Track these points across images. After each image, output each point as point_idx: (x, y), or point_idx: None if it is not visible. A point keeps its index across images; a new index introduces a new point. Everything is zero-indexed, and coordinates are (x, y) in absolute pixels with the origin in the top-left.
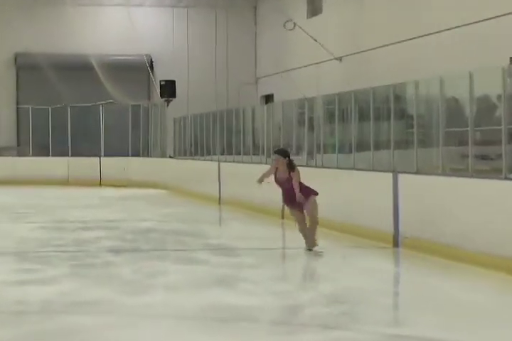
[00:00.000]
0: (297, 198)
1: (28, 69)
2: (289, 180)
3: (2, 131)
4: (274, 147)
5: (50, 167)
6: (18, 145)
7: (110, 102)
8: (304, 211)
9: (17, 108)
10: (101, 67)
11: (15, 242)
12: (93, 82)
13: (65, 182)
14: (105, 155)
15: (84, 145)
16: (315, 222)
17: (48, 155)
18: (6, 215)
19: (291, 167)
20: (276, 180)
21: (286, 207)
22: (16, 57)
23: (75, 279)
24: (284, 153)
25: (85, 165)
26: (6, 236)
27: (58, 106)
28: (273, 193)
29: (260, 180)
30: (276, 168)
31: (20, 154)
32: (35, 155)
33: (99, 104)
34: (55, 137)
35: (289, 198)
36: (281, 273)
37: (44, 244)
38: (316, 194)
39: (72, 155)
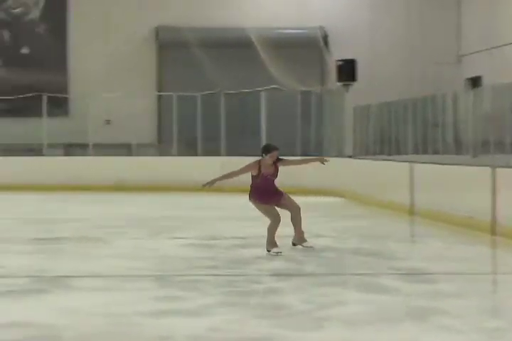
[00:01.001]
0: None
1: (171, 46)
2: (275, 174)
3: (140, 124)
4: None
5: (198, 169)
6: (160, 142)
7: (274, 88)
8: (282, 204)
9: (158, 95)
10: (262, 43)
11: (156, 263)
12: (252, 63)
13: (217, 188)
14: None
15: (241, 142)
16: (298, 210)
17: (196, 154)
18: (144, 230)
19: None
20: (262, 176)
21: (256, 203)
22: (158, 32)
23: (231, 310)
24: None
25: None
26: (145, 256)
27: (209, 92)
28: (483, 203)
29: (211, 184)
30: (259, 166)
31: (161, 153)
32: (180, 154)
33: (260, 91)
34: (205, 132)
35: (268, 193)
36: (490, 304)
37: (192, 266)
38: None
39: (225, 155)
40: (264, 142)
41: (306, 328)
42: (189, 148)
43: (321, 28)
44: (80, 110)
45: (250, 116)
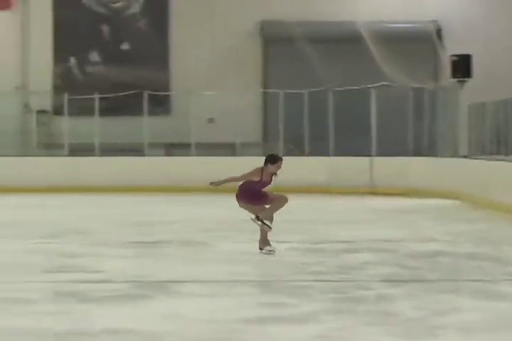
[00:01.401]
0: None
1: (277, 42)
2: (270, 183)
3: (244, 122)
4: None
5: (305, 170)
6: (265, 141)
7: (384, 85)
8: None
9: (263, 92)
10: (372, 38)
11: (259, 268)
12: (362, 59)
13: (324, 189)
14: (378, 155)
15: (350, 141)
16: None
17: (303, 154)
18: (247, 233)
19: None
20: (262, 184)
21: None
22: (263, 27)
23: (338, 317)
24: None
25: (352, 167)
26: (248, 261)
27: (316, 89)
28: None
29: (218, 184)
30: (262, 173)
31: (267, 153)
32: (286, 154)
33: (370, 88)
34: (312, 130)
35: (258, 196)
36: None
37: (297, 271)
38: None
39: (334, 155)
40: (374, 142)
41: (419, 336)
42: (295, 148)
43: (434, 22)
44: (182, 108)
45: (359, 114)
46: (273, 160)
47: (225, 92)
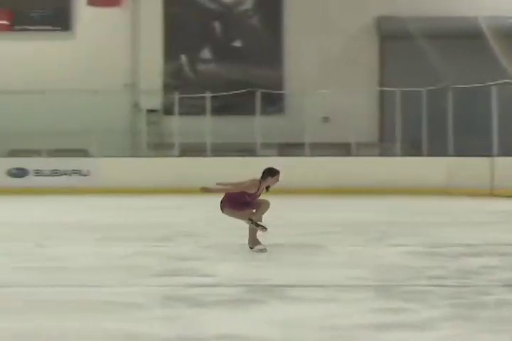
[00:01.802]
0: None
1: (394, 38)
2: (259, 195)
3: (360, 122)
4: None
5: (423, 170)
6: (381, 141)
7: (506, 82)
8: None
9: (379, 91)
10: (493, 33)
11: (376, 272)
12: (482, 55)
13: (443, 190)
14: (500, 155)
15: (470, 141)
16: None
17: (420, 154)
18: (362, 236)
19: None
20: (254, 196)
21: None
22: (379, 23)
23: (458, 324)
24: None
25: (471, 167)
26: (364, 264)
27: (435, 87)
28: None
29: (209, 191)
30: (259, 186)
31: (383, 153)
32: (403, 154)
33: (491, 85)
34: (430, 130)
35: (245, 204)
36: None
37: (415, 276)
38: None
39: (453, 155)
40: (496, 141)
41: None
42: (413, 148)
43: None
44: (295, 107)
45: (480, 113)
46: (273, 173)
47: (340, 91)
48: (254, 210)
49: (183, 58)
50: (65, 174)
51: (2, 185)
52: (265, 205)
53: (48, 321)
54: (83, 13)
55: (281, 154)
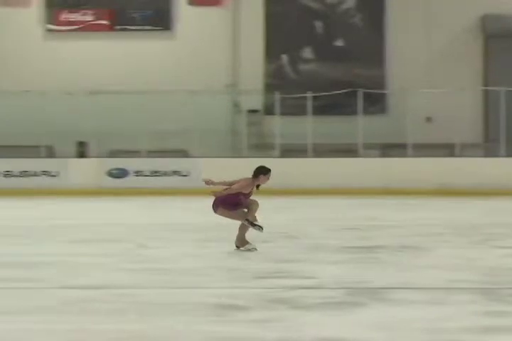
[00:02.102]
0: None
1: (500, 37)
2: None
3: (464, 122)
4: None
5: None
6: (486, 141)
7: None
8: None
9: (484, 91)
10: None
11: (482, 275)
12: None
13: None
14: None
15: None
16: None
17: None
18: (467, 238)
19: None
20: (248, 195)
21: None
22: (484, 21)
23: None
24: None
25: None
26: (469, 267)
27: None
28: None
29: (210, 183)
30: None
31: (488, 154)
32: (508, 155)
33: None
34: None
35: (238, 204)
36: None
37: None
38: None
39: None
40: None
41: None
42: None
43: None
44: (398, 107)
45: None
46: (265, 171)
47: (443, 90)
48: (245, 210)
49: (285, 58)
50: (165, 175)
51: (102, 186)
52: (255, 205)
53: (151, 323)
54: (184, 13)
55: (383, 155)
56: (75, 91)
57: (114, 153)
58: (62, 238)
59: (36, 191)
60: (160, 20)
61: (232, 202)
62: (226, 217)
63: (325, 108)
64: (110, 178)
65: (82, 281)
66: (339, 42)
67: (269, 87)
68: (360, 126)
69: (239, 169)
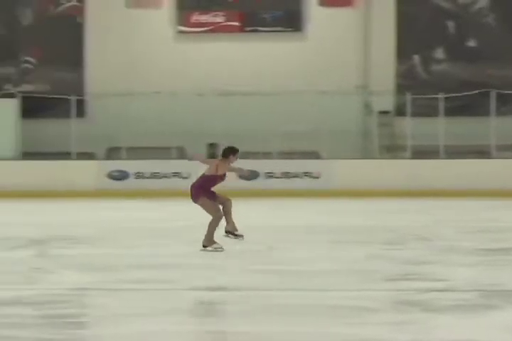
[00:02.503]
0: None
1: None
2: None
3: None
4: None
5: None
6: None
7: None
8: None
9: None
10: None
11: None
12: None
13: None
14: None
15: None
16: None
17: None
18: None
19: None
20: (222, 177)
21: (205, 201)
22: None
23: None
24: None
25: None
26: None
27: None
28: None
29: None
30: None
31: None
32: None
33: None
34: None
35: (213, 192)
36: None
37: None
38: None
39: None
40: None
41: None
42: None
43: None
44: None
45: None
46: (235, 151)
47: None
48: (221, 206)
49: (416, 58)
50: (296, 176)
51: (232, 187)
52: (229, 203)
53: (280, 325)
54: (315, 14)
55: None
56: (205, 92)
57: (244, 155)
58: (191, 239)
59: (166, 192)
60: (290, 21)
61: (212, 185)
62: (205, 208)
63: (457, 109)
64: (241, 180)
65: (211, 283)
66: (471, 43)
67: (400, 88)
68: (493, 127)
69: (370, 171)
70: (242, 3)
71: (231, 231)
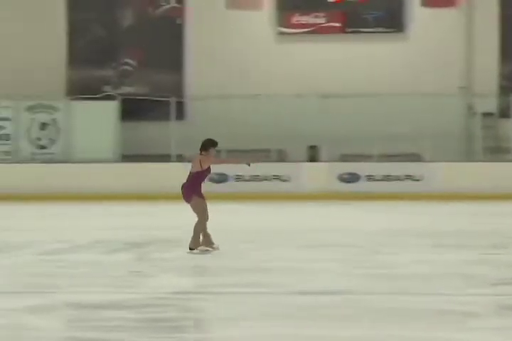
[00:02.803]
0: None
1: None
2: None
3: None
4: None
5: None
6: None
7: None
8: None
9: None
10: None
11: None
12: None
13: None
14: None
15: None
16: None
17: None
18: None
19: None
20: (208, 171)
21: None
22: None
23: None
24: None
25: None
26: None
27: None
28: None
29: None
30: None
31: None
32: None
33: None
34: None
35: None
36: None
37: None
38: None
39: None
40: None
41: None
42: None
43: None
44: None
45: None
46: (214, 143)
47: None
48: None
49: None
50: (398, 179)
51: (333, 190)
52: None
53: (383, 329)
54: (417, 14)
55: None
56: (306, 94)
57: (345, 158)
58: (292, 243)
59: (267, 195)
60: (392, 21)
61: (200, 182)
62: (196, 210)
63: None
64: (341, 183)
65: (313, 287)
66: None
67: (504, 90)
68: None
69: (474, 173)
70: (344, 3)
71: (209, 244)
